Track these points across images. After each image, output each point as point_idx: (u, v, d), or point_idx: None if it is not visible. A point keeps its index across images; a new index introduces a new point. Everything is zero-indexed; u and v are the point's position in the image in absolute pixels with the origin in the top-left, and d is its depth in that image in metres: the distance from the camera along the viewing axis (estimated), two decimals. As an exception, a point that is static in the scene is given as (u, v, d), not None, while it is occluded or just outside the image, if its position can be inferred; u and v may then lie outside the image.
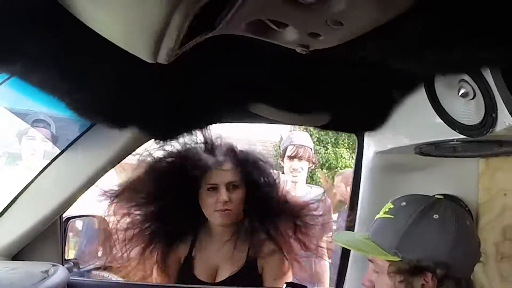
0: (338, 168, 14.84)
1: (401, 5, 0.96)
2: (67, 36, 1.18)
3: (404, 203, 1.69)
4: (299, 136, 4.34)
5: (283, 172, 4.33)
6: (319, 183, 13.70)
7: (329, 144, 15.10)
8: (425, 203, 1.65)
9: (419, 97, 1.84)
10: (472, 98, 1.56)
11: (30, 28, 1.14)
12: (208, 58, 1.45)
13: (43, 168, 2.36)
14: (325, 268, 4.12)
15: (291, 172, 4.19)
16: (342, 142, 14.65)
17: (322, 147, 14.49)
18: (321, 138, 13.68)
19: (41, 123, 4.34)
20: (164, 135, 2.30)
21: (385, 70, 1.60)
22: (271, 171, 2.62)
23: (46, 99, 1.75)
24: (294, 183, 4.15)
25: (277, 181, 2.59)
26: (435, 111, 1.74)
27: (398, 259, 1.60)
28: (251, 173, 2.49)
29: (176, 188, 2.47)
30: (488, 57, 1.32)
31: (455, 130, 1.68)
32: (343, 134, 14.57)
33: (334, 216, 4.31)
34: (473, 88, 1.54)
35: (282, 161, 4.35)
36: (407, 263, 1.58)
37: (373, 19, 1.01)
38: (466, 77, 1.54)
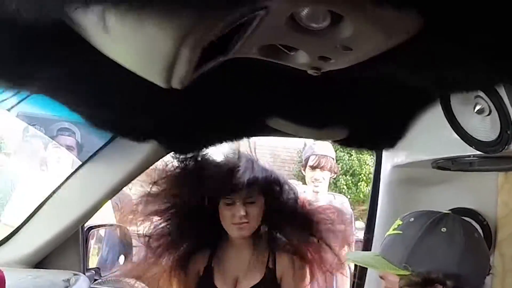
0: (362, 175, 14.78)
1: (407, 31, 0.97)
2: (84, 59, 1.21)
3: (412, 219, 1.71)
4: (321, 146, 4.26)
5: (304, 182, 4.34)
6: (343, 191, 13.67)
7: (353, 151, 15.03)
8: (432, 217, 1.67)
9: (436, 113, 1.84)
10: (488, 115, 1.56)
11: (48, 53, 1.17)
12: (226, 74, 1.47)
13: (65, 178, 2.40)
14: (346, 283, 4.13)
15: (313, 182, 4.19)
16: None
17: (345, 154, 14.42)
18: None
19: (66, 131, 4.41)
20: (183, 149, 2.33)
21: (401, 87, 1.62)
22: (289, 184, 2.62)
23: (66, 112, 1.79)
24: (316, 193, 4.14)
25: (295, 192, 2.60)
26: (452, 127, 1.74)
27: (408, 272, 1.61)
28: (269, 186, 2.50)
29: (196, 200, 2.48)
30: (500, 75, 1.33)
31: (472, 146, 1.68)
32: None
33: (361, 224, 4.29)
34: (488, 105, 1.54)
35: (304, 170, 4.34)
36: (418, 276, 1.59)
37: (382, 44, 1.02)
38: (482, 93, 1.54)
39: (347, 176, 15.25)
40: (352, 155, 15.41)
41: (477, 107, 1.58)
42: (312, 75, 1.25)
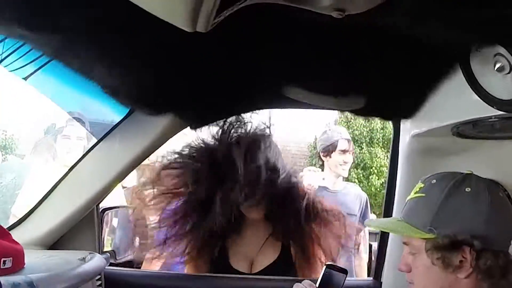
0: (373, 168, 14.76)
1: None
2: (104, 9, 1.20)
3: (434, 181, 1.67)
4: (344, 130, 4.53)
5: (322, 169, 4.42)
6: (354, 182, 13.63)
7: (364, 144, 15.00)
8: (455, 178, 1.63)
9: (455, 77, 1.82)
10: (509, 73, 1.52)
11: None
12: (243, 43, 1.46)
13: (80, 158, 2.40)
14: (363, 263, 4.18)
15: (342, 165, 4.30)
16: (377, 142, 14.53)
17: (356, 147, 14.41)
18: (356, 138, 13.60)
19: (75, 121, 4.41)
20: (200, 122, 2.33)
21: (421, 51, 1.59)
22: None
23: (83, 85, 1.78)
24: (336, 177, 4.32)
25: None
26: (472, 88, 1.71)
27: (434, 236, 1.57)
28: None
29: (212, 181, 2.47)
30: None
31: (493, 106, 1.64)
32: (377, 133, 14.50)
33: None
34: (509, 62, 1.50)
35: (326, 156, 4.38)
36: (444, 239, 1.55)
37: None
38: (502, 50, 1.50)
39: (358, 170, 15.24)
40: (363, 148, 15.39)
41: (497, 65, 1.54)
42: (329, 38, 1.22)
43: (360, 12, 1.17)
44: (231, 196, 2.37)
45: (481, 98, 1.68)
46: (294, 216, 2.51)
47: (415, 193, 1.71)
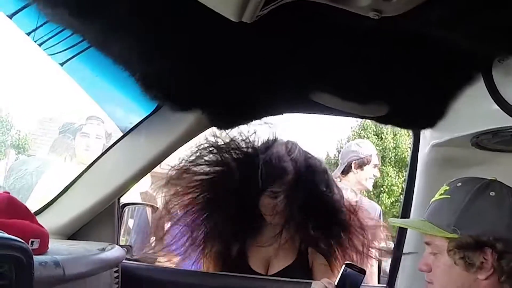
0: (384, 187, 14.75)
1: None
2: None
3: (460, 184, 1.71)
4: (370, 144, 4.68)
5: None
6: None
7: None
8: (480, 183, 1.67)
9: (476, 87, 1.87)
10: (529, 84, 1.58)
11: None
12: (278, 39, 1.51)
13: (104, 151, 2.45)
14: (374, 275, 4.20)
15: (371, 178, 4.43)
16: (389, 161, 14.53)
17: (368, 165, 14.43)
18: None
19: (95, 120, 4.47)
20: (226, 123, 2.38)
21: (444, 59, 1.63)
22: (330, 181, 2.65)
23: (116, 77, 1.83)
24: (359, 190, 4.32)
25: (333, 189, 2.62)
26: (493, 99, 1.76)
27: (458, 236, 1.61)
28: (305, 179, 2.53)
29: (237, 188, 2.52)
30: None
31: (513, 117, 1.70)
32: (390, 153, 14.50)
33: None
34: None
35: (359, 168, 4.43)
36: (467, 239, 1.59)
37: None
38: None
39: (369, 188, 15.27)
40: (374, 166, 15.43)
41: (519, 76, 1.59)
42: (357, 47, 1.26)
43: (395, 15, 1.22)
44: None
45: (501, 108, 1.73)
46: (326, 227, 2.55)
47: (440, 195, 1.75)
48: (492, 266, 1.57)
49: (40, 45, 1.80)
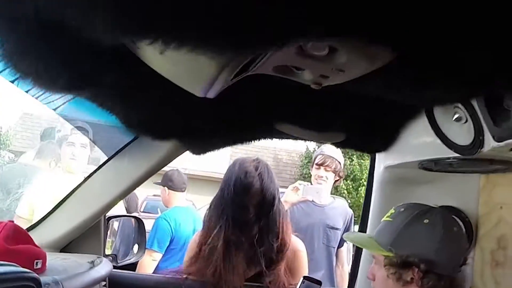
0: (363, 180, 14.97)
1: (383, 59, 1.25)
2: (130, 70, 1.47)
3: (402, 209, 2.00)
4: (330, 148, 4.40)
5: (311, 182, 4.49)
6: (343, 195, 13.81)
7: (354, 156, 15.20)
8: (419, 210, 1.96)
9: (422, 121, 2.10)
10: (465, 122, 1.81)
11: (104, 64, 1.44)
12: (245, 89, 1.71)
13: (91, 173, 2.68)
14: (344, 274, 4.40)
15: (316, 179, 4.35)
16: (367, 154, 14.63)
17: (347, 159, 14.61)
18: (347, 150, 13.76)
19: (80, 130, 4.62)
20: (200, 149, 2.60)
21: (390, 100, 1.87)
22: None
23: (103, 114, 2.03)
24: (317, 193, 4.19)
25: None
26: (434, 132, 2.01)
27: (392, 254, 1.90)
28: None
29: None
30: (471, 93, 1.60)
31: (451, 149, 1.95)
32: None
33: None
34: (465, 114, 1.79)
35: (312, 169, 4.50)
36: (398, 258, 1.89)
37: (366, 68, 1.31)
38: (459, 104, 1.79)
39: (348, 181, 15.43)
40: (353, 160, 15.57)
41: (456, 116, 1.83)
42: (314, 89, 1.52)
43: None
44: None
45: (441, 141, 1.99)
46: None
47: (386, 217, 2.04)
48: (417, 283, 1.86)
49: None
